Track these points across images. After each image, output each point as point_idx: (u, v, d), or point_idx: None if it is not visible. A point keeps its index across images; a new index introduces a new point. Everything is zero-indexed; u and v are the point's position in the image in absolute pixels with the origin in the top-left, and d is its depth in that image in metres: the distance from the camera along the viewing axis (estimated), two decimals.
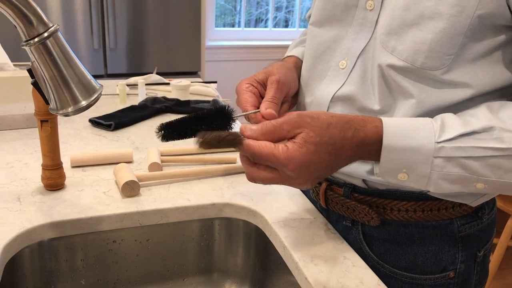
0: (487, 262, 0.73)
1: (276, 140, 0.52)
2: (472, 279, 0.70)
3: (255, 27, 3.49)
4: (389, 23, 0.58)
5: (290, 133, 0.52)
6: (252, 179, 0.54)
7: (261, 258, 0.79)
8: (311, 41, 0.71)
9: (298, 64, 0.75)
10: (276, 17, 3.51)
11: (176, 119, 0.54)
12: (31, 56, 0.54)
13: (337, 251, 0.67)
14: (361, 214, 0.67)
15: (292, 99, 0.71)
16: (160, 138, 0.53)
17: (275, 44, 3.33)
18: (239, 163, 0.94)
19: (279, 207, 0.78)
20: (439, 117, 0.55)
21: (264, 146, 0.51)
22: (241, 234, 0.81)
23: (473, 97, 0.57)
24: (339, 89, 0.65)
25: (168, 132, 0.53)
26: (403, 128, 0.53)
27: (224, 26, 3.42)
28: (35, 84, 0.57)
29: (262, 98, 0.64)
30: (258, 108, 0.61)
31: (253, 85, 0.64)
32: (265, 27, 3.49)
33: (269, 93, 0.63)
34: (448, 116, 0.55)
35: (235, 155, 0.96)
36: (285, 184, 0.54)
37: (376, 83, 0.61)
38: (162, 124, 0.53)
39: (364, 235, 0.69)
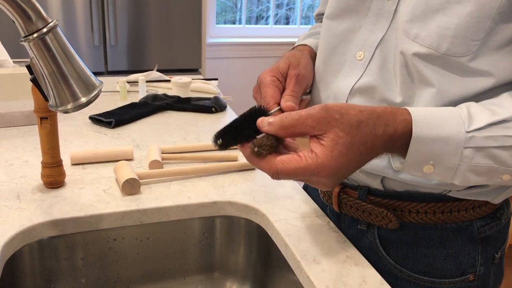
0: (502, 263, 0.72)
1: (297, 135, 0.49)
2: (490, 281, 0.69)
3: (256, 24, 3.48)
4: (412, 10, 0.56)
5: (315, 130, 0.48)
6: (275, 175, 0.50)
7: (263, 257, 0.79)
8: (325, 35, 0.69)
9: (312, 55, 0.74)
10: (277, 14, 3.49)
11: (227, 126, 0.52)
12: (30, 52, 0.54)
13: (340, 249, 0.66)
14: (378, 217, 0.66)
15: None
16: (218, 147, 0.52)
17: (276, 41, 3.31)
18: (240, 161, 0.93)
19: (281, 206, 0.77)
20: (463, 105, 0.53)
21: (289, 161, 0.48)
22: (243, 233, 0.80)
23: (494, 87, 0.55)
24: (357, 81, 0.63)
25: (226, 140, 0.52)
26: (431, 118, 0.51)
27: (225, 23, 3.41)
28: (34, 81, 0.56)
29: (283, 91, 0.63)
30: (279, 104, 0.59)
31: (278, 79, 0.62)
32: (266, 24, 3.48)
33: (289, 87, 0.61)
34: (473, 105, 0.53)
35: (236, 153, 0.95)
36: (311, 185, 0.52)
37: (398, 73, 0.59)
38: (218, 133, 0.52)
39: (381, 239, 0.68)
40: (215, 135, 0.52)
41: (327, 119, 0.48)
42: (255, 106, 0.55)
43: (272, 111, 0.56)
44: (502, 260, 0.71)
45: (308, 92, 0.73)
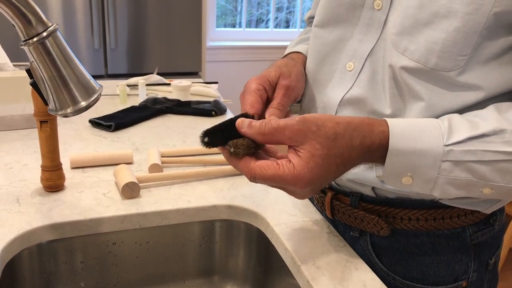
0: (496, 269, 0.71)
1: (275, 143, 0.50)
2: (484, 287, 0.69)
3: (256, 27, 3.48)
4: (401, 22, 0.56)
5: (291, 141, 0.49)
6: (253, 178, 0.51)
7: (263, 261, 0.78)
8: (314, 43, 0.68)
9: (306, 64, 0.72)
10: (277, 17, 3.50)
11: (215, 126, 0.53)
12: (29, 56, 0.54)
13: (340, 254, 0.66)
14: (370, 224, 0.65)
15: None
16: (204, 145, 0.52)
17: (276, 45, 3.32)
18: None
19: (280, 209, 0.77)
20: (445, 117, 0.53)
21: (267, 167, 0.49)
22: (242, 236, 0.80)
23: (484, 100, 0.55)
24: (347, 92, 0.63)
25: (212, 139, 0.52)
26: (409, 130, 0.51)
27: (225, 26, 3.41)
28: (34, 85, 0.56)
29: (270, 100, 0.62)
30: (259, 114, 0.59)
31: (264, 88, 0.61)
32: (266, 27, 3.48)
33: (277, 98, 0.61)
34: (455, 117, 0.53)
35: None
36: (287, 193, 0.53)
37: (387, 85, 0.59)
38: (206, 131, 0.52)
39: (373, 246, 0.67)
40: (202, 133, 0.53)
41: (304, 131, 0.49)
42: (245, 113, 0.56)
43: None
44: (496, 265, 0.71)
45: (298, 102, 0.72)
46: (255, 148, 0.52)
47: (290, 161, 0.49)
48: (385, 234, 0.65)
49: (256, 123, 0.50)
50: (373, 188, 0.65)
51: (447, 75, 0.54)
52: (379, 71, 0.60)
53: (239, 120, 0.51)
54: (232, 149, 0.51)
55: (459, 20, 0.52)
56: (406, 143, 0.50)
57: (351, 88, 0.63)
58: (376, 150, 0.51)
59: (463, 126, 0.51)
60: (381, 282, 0.61)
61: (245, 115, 0.55)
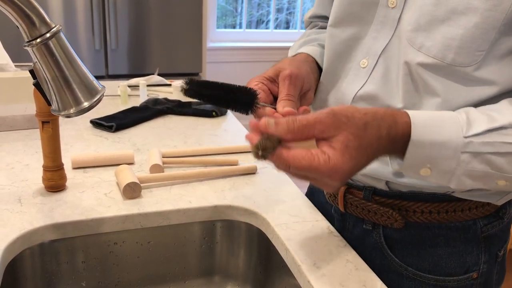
0: (504, 261, 0.73)
1: (303, 139, 0.49)
2: (493, 279, 0.70)
3: (256, 28, 3.49)
4: (416, 19, 0.57)
5: (324, 134, 0.48)
6: (287, 168, 0.49)
7: (263, 261, 0.79)
8: (329, 42, 0.69)
9: (309, 59, 0.73)
10: (277, 18, 3.51)
11: (205, 81, 0.52)
12: (33, 56, 0.54)
13: (340, 254, 0.66)
14: (384, 217, 0.67)
15: (310, 94, 0.68)
16: (183, 91, 0.52)
17: (277, 46, 3.33)
18: (240, 165, 0.93)
19: (281, 210, 0.77)
20: (462, 110, 0.54)
21: (301, 157, 0.47)
22: (243, 237, 0.81)
23: (497, 94, 0.56)
24: (360, 88, 0.64)
25: (193, 89, 0.52)
26: (430, 122, 0.51)
27: (225, 27, 3.42)
28: (37, 85, 0.57)
29: (273, 95, 0.62)
30: (270, 104, 0.59)
31: (262, 83, 0.62)
32: (266, 28, 3.49)
33: (283, 90, 0.60)
34: (472, 110, 0.53)
35: (237, 158, 0.96)
36: (316, 186, 0.52)
37: (400, 81, 0.60)
38: (190, 79, 0.52)
39: (386, 238, 0.69)
40: (188, 79, 0.52)
41: (336, 123, 0.48)
42: (247, 87, 0.55)
43: (267, 105, 0.57)
44: (504, 258, 0.72)
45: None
46: (280, 145, 0.50)
47: (325, 152, 0.48)
48: (399, 227, 0.66)
49: (283, 121, 0.48)
50: (386, 182, 0.66)
51: (464, 71, 0.55)
52: (393, 67, 0.61)
53: (264, 120, 0.49)
54: (260, 152, 0.49)
55: (478, 16, 0.52)
56: (428, 134, 0.51)
57: (364, 84, 0.64)
58: (399, 141, 0.51)
59: (481, 119, 0.52)
60: (381, 282, 0.61)
61: (247, 89, 0.54)
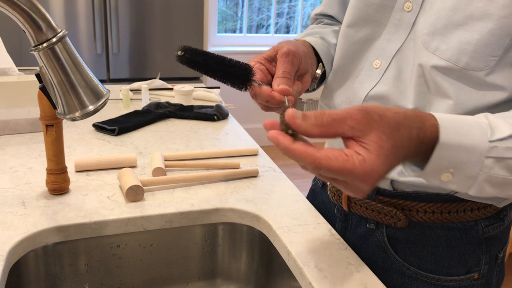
0: (503, 264, 0.74)
1: (331, 135, 0.45)
2: (493, 280, 0.71)
3: (256, 33, 3.50)
4: (432, 23, 0.58)
5: (354, 131, 0.44)
6: (317, 170, 0.44)
7: (265, 264, 0.79)
8: (343, 41, 0.71)
9: (306, 44, 0.72)
10: (277, 23, 3.52)
11: (201, 50, 0.52)
12: (39, 61, 0.55)
13: (341, 256, 0.67)
14: (387, 216, 0.68)
15: (306, 77, 0.66)
16: (178, 58, 0.51)
17: None
18: (242, 168, 0.94)
19: (283, 212, 0.78)
20: (481, 115, 0.53)
21: (335, 158, 0.43)
22: (245, 239, 0.81)
23: (507, 100, 0.57)
24: (372, 88, 0.65)
25: (187, 57, 0.51)
26: (457, 125, 0.49)
27: (225, 32, 3.43)
28: (43, 89, 0.57)
29: (272, 75, 0.61)
30: (268, 84, 0.58)
31: (260, 62, 0.62)
32: (267, 33, 3.50)
33: (280, 67, 0.59)
34: (491, 116, 0.52)
35: (239, 161, 0.96)
36: (345, 190, 0.47)
37: (413, 83, 0.61)
38: (186, 47, 0.51)
39: (389, 238, 0.70)
40: (183, 46, 0.51)
41: (368, 120, 0.45)
42: (243, 62, 0.55)
43: (262, 83, 0.57)
44: (503, 260, 0.73)
45: (308, 91, 0.72)
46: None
47: (359, 153, 0.44)
48: (403, 226, 0.67)
49: (311, 114, 0.45)
50: (391, 182, 0.67)
51: (476, 75, 0.56)
52: (405, 69, 0.63)
53: (290, 111, 0.45)
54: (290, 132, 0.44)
55: (494, 23, 0.54)
56: (455, 137, 0.49)
57: (376, 84, 0.65)
58: (427, 143, 0.49)
59: (503, 124, 0.51)
60: (382, 284, 0.62)
61: (244, 65, 0.54)
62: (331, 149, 0.44)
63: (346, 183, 0.46)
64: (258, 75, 0.59)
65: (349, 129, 0.44)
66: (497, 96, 0.57)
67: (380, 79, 0.65)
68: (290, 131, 0.46)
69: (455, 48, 0.56)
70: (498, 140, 0.50)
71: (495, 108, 0.57)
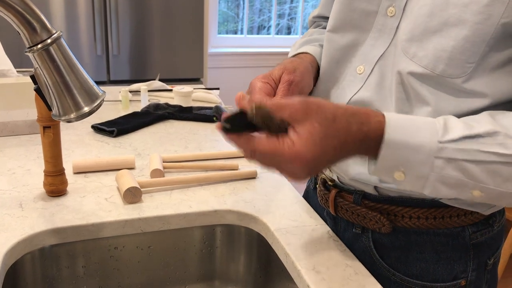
0: (496, 270, 0.72)
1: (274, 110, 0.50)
2: (482, 287, 0.69)
3: (257, 34, 3.50)
4: (411, 29, 0.58)
5: (291, 118, 0.49)
6: (252, 153, 0.51)
7: (263, 266, 0.79)
8: (327, 47, 0.70)
9: (314, 64, 0.73)
10: (278, 24, 3.52)
11: (233, 115, 0.53)
12: (34, 62, 0.55)
13: (340, 258, 0.66)
14: (372, 221, 0.67)
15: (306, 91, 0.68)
16: (225, 131, 0.53)
17: (278, 51, 3.33)
18: (241, 169, 0.94)
19: (281, 214, 0.78)
20: (441, 118, 0.54)
21: (266, 142, 0.49)
22: (243, 241, 0.81)
23: (488, 107, 0.56)
24: (355, 94, 0.65)
25: (232, 126, 0.53)
26: (405, 124, 0.51)
27: (226, 33, 3.43)
28: (38, 90, 0.57)
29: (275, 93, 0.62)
30: None
31: (270, 85, 0.62)
32: (268, 34, 3.50)
33: (279, 93, 0.61)
34: (451, 118, 0.54)
35: (237, 162, 0.96)
36: (282, 175, 0.52)
37: (394, 89, 0.60)
38: (227, 118, 0.53)
39: (375, 243, 0.69)
40: (223, 119, 0.53)
41: (304, 110, 0.49)
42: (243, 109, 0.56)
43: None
44: (495, 267, 0.72)
45: None
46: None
47: (290, 137, 0.49)
48: (387, 231, 0.66)
49: (257, 98, 0.51)
50: (375, 187, 0.66)
51: (453, 82, 0.55)
52: (388, 75, 0.62)
53: (240, 93, 0.52)
54: (254, 111, 0.50)
55: (468, 29, 0.53)
56: (401, 135, 0.51)
57: (359, 90, 0.64)
58: (371, 140, 0.51)
59: (458, 126, 0.52)
60: (381, 286, 0.61)
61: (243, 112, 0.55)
62: (267, 135, 0.50)
63: (280, 167, 0.51)
64: (259, 96, 0.60)
65: (288, 116, 0.49)
66: (477, 103, 0.56)
67: (363, 85, 0.64)
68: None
69: (432, 55, 0.55)
70: (448, 141, 0.51)
71: (476, 114, 0.56)
